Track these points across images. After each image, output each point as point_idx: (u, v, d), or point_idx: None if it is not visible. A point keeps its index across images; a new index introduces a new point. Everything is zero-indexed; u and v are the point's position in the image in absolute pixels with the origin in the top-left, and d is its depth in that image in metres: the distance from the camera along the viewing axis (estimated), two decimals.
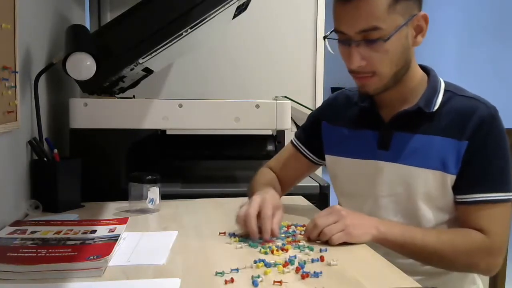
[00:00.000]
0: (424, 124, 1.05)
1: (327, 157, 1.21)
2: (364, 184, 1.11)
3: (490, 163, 1.00)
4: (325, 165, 1.25)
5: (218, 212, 1.22)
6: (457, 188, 1.01)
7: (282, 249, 0.91)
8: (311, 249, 0.92)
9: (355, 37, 0.98)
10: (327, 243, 0.95)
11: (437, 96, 1.05)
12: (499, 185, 1.00)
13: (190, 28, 1.32)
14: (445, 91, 1.06)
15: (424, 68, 1.10)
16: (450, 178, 1.01)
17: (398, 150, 1.06)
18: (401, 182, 1.05)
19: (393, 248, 0.99)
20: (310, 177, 1.57)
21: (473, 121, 1.00)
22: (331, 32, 1.03)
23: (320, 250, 0.91)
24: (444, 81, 1.09)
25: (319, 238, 0.96)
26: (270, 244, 0.94)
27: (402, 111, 1.06)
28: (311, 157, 1.26)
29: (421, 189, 1.03)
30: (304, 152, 1.26)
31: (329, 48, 1.07)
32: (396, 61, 1.00)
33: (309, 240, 0.98)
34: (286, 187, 1.29)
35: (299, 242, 0.97)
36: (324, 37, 1.06)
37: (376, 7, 0.94)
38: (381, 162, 1.08)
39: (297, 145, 1.27)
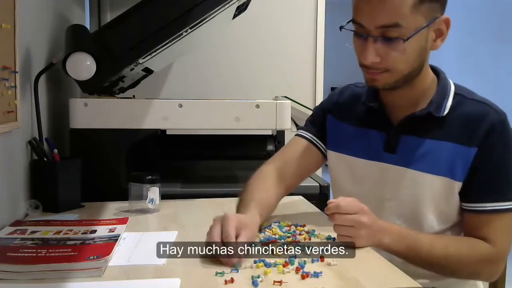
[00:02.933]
0: (433, 129, 1.03)
1: (330, 152, 1.18)
2: (368, 186, 1.10)
3: (499, 171, 0.99)
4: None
5: (218, 212, 1.21)
6: (465, 196, 1.00)
7: (284, 249, 0.91)
8: (311, 249, 0.92)
9: (373, 32, 0.95)
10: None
11: (447, 99, 1.03)
12: (508, 194, 0.99)
13: (190, 28, 1.32)
14: (455, 94, 1.04)
15: (433, 70, 1.08)
16: (457, 186, 1.00)
17: (406, 154, 1.04)
18: (407, 187, 1.04)
19: (396, 255, 0.98)
20: (310, 177, 1.57)
21: (483, 127, 0.98)
22: (348, 22, 0.99)
23: (320, 250, 0.91)
24: (454, 84, 1.07)
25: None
26: (270, 244, 0.94)
27: (411, 115, 1.04)
28: (324, 148, 1.20)
29: (427, 195, 1.02)
30: (316, 143, 1.20)
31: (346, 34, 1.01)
32: (412, 62, 0.98)
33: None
34: (291, 186, 1.21)
35: (299, 242, 0.97)
36: (341, 27, 1.01)
37: (401, 3, 0.91)
38: (387, 165, 1.06)
39: (308, 137, 1.20)
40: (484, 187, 0.99)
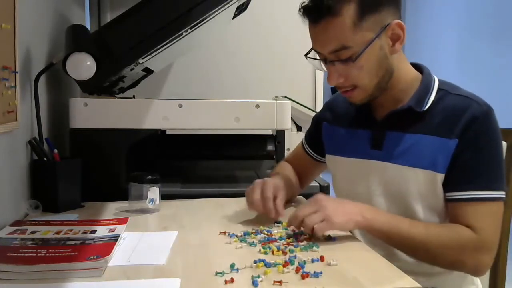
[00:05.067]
0: (415, 123, 1.04)
1: (327, 156, 1.24)
2: (359, 184, 1.12)
3: (480, 160, 0.98)
4: None
5: (218, 212, 1.22)
6: (447, 185, 1.01)
7: (283, 252, 0.91)
8: (312, 248, 0.92)
9: (328, 57, 1.01)
10: (314, 235, 0.96)
11: (430, 94, 1.05)
12: (489, 183, 0.98)
13: (190, 28, 1.32)
14: (439, 89, 1.06)
15: (418, 67, 1.10)
16: (440, 177, 1.00)
17: (391, 149, 1.06)
18: (394, 182, 1.06)
19: (378, 236, 0.98)
20: None
21: (464, 119, 0.99)
22: (310, 50, 1.05)
23: (320, 250, 0.91)
24: (439, 80, 1.08)
25: (301, 228, 0.98)
26: (270, 244, 0.94)
27: (394, 111, 1.07)
28: (315, 156, 1.31)
29: (413, 189, 1.03)
30: (308, 151, 1.32)
31: (312, 64, 1.08)
32: (375, 73, 1.01)
33: (294, 232, 1.00)
34: (302, 183, 1.35)
35: (299, 242, 0.97)
36: (305, 55, 1.07)
37: (341, 27, 0.96)
38: (374, 162, 1.09)
39: (304, 145, 1.35)
40: (464, 176, 0.99)
